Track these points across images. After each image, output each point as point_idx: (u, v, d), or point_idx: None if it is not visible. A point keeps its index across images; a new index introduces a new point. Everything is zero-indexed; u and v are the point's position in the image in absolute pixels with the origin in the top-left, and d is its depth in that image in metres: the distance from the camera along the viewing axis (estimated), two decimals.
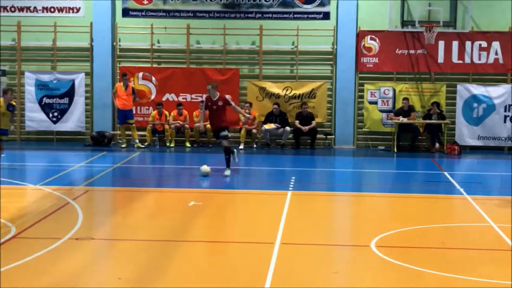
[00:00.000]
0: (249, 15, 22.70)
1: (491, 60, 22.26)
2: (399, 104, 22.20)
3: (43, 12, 22.90)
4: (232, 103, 16.94)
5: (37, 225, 11.63)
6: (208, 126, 19.06)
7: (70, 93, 22.73)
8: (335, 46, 22.59)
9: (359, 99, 22.68)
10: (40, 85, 22.72)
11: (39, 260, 9.69)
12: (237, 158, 16.80)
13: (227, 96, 16.99)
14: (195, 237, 11.31)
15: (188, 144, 22.29)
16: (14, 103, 16.70)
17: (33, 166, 18.56)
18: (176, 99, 22.57)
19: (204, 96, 17.67)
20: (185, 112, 22.22)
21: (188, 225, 12.19)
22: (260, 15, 22.68)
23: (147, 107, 22.63)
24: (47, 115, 22.77)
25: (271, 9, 22.64)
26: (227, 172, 16.40)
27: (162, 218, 12.82)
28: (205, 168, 16.16)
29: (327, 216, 13.52)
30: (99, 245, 10.79)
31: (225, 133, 16.44)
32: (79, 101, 22.74)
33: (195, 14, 22.75)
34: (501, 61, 22.20)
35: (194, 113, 21.98)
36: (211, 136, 20.43)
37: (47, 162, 19.43)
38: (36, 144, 21.96)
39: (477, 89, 22.17)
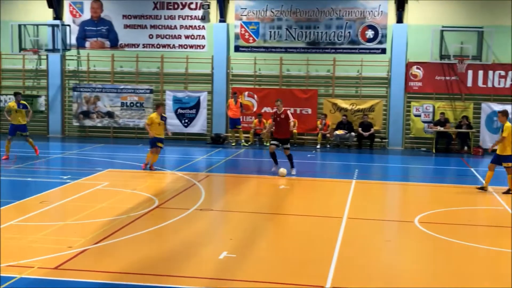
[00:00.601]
0: (326, 50, 22.57)
1: (507, 85, 21.44)
2: (437, 117, 21.66)
3: (179, 48, 23.40)
4: (291, 118, 15.60)
5: (173, 199, 11.98)
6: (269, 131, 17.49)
7: (197, 106, 23.17)
8: (390, 73, 22.23)
9: (407, 113, 22.23)
10: (176, 100, 23.23)
11: (175, 223, 10.01)
12: (294, 171, 15.25)
13: (289, 112, 15.77)
14: (284, 211, 11.42)
15: None
16: (165, 115, 16.43)
17: (170, 157, 18.96)
18: (271, 111, 22.64)
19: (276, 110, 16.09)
20: None
21: (279, 202, 12.32)
22: (333, 50, 22.51)
23: (251, 117, 22.83)
24: (180, 121, 23.27)
25: (342, 46, 22.44)
26: (294, 172, 15.24)
27: (260, 196, 12.99)
28: (282, 170, 15.10)
29: (382, 199, 13.40)
30: (216, 214, 11.02)
31: (287, 145, 15.42)
32: (203, 111, 23.15)
33: (286, 50, 22.81)
34: None
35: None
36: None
37: (180, 154, 19.82)
38: (172, 142, 22.47)
39: (497, 107, 21.34)
